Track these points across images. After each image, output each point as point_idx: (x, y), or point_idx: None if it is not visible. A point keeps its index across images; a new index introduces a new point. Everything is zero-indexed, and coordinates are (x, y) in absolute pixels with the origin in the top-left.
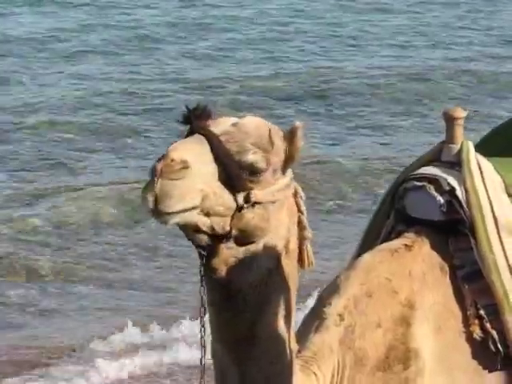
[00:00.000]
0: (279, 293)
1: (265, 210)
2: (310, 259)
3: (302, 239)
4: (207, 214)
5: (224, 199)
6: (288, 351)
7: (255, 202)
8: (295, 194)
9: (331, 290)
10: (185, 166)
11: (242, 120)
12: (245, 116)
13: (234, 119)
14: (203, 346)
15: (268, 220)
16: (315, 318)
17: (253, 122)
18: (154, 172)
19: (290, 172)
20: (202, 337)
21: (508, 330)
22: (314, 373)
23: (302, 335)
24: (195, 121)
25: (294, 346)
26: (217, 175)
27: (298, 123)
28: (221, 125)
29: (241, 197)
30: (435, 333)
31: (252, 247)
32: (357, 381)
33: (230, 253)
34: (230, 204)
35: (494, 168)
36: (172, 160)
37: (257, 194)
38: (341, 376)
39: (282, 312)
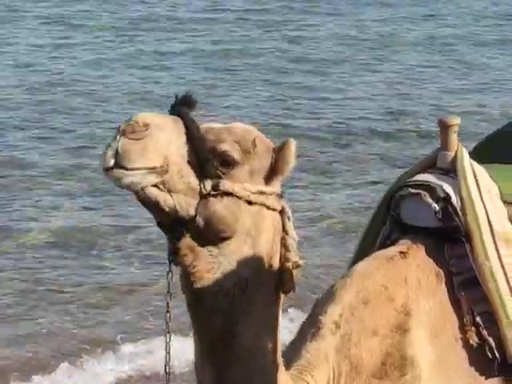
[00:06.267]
0: (260, 304)
1: (235, 205)
2: (290, 284)
3: (284, 261)
4: (169, 191)
5: (189, 180)
6: (267, 362)
7: (224, 193)
8: (282, 213)
9: (327, 298)
10: (147, 129)
11: (236, 123)
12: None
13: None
14: (168, 332)
15: (237, 217)
16: (311, 327)
17: (243, 127)
18: (116, 132)
19: (277, 187)
20: (167, 322)
21: (504, 337)
22: (307, 382)
23: (298, 343)
24: (177, 106)
25: (279, 360)
26: (186, 156)
27: (290, 139)
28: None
29: (208, 183)
30: (431, 339)
31: (221, 247)
32: None
33: (196, 243)
34: (194, 186)
35: (490, 175)
36: (136, 122)
37: (227, 184)
38: None
39: (264, 324)
